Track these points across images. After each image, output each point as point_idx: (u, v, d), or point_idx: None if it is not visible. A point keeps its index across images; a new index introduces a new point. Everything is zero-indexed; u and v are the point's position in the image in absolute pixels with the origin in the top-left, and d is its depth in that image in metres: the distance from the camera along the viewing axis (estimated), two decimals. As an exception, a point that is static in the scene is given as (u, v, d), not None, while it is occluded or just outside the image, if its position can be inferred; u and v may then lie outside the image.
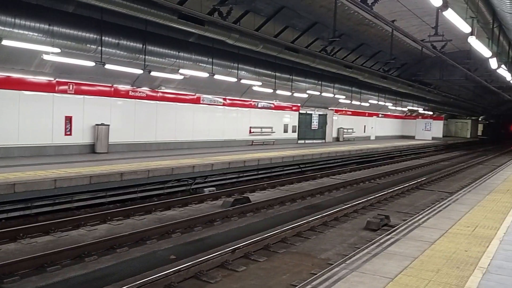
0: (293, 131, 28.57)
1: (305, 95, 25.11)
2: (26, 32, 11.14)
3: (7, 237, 8.53)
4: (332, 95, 25.28)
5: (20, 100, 14.14)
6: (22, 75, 14.16)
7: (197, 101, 20.89)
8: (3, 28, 10.71)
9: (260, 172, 17.56)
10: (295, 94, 23.24)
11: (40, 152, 14.80)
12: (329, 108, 32.03)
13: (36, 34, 11.31)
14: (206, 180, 14.80)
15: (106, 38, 12.94)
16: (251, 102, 24.46)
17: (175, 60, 15.27)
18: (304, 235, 9.50)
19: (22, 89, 14.21)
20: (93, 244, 8.04)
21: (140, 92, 18.13)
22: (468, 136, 55.98)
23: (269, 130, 26.10)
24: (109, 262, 7.60)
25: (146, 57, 14.25)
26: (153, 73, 15.65)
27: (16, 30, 10.92)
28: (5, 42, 11.08)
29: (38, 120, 14.73)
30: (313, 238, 9.41)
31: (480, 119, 65.85)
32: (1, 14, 10.59)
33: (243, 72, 18.28)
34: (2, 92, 13.72)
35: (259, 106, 25.16)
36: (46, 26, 11.45)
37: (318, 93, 24.15)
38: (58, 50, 11.84)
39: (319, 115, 31.31)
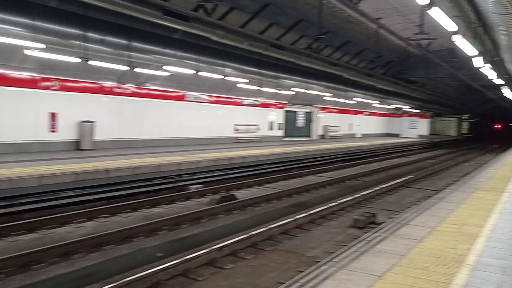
0: (279, 129, 28.59)
1: (290, 93, 25.16)
2: (8, 27, 10.94)
3: (-9, 235, 8.39)
4: (317, 93, 25.35)
5: (2, 96, 13.91)
6: (4, 70, 13.92)
7: (182, 98, 20.79)
8: (-15, 22, 10.52)
9: (246, 169, 17.53)
10: (281, 92, 23.27)
11: (25, 149, 14.60)
12: (315, 106, 32.12)
13: (19, 29, 11.12)
14: (192, 177, 14.72)
15: (91, 34, 12.80)
16: (237, 100, 24.41)
17: (160, 56, 15.18)
18: (291, 232, 9.49)
19: (4, 85, 13.99)
20: (79, 242, 7.95)
21: (125, 88, 17.98)
22: (454, 134, 56.62)
23: (255, 127, 26.10)
24: (96, 259, 7.52)
25: (131, 53, 14.13)
26: (138, 70, 15.52)
27: (-2, 25, 10.74)
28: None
29: (22, 117, 14.52)
30: (300, 236, 9.41)
31: (465, 118, 66.63)
32: (-17, 8, 10.41)
33: (229, 69, 18.23)
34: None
35: (245, 103, 25.13)
36: (29, 21, 11.27)
37: (303, 90, 24.20)
38: (41, 45, 11.66)
39: (305, 112, 31.38)
